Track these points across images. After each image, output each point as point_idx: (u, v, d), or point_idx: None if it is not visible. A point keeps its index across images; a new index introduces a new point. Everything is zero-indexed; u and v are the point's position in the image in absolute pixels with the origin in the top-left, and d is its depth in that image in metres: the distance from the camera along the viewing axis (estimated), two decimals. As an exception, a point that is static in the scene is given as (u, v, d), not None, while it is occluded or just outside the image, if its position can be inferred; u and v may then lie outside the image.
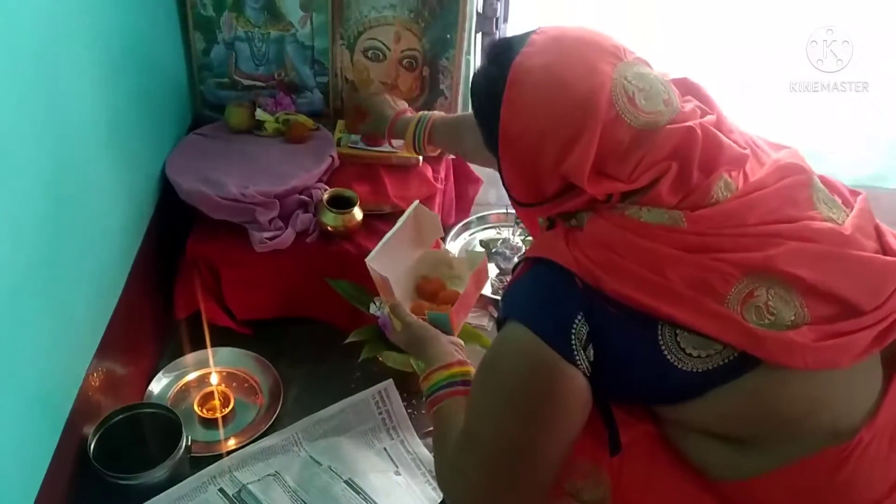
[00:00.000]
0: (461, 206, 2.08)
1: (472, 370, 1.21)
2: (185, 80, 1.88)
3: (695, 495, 0.99)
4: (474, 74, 1.10)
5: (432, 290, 1.54)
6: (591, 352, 0.95)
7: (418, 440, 1.54)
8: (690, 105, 1.01)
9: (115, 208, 1.48)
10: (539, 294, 0.98)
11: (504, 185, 1.06)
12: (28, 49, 1.13)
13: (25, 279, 1.13)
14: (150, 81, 1.64)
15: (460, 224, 2.07)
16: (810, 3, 3.11)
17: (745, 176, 0.98)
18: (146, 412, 1.45)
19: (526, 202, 1.04)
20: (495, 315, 1.86)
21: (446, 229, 2.02)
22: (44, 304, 1.20)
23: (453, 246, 2.02)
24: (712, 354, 0.91)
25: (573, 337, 0.93)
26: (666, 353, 0.92)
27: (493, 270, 1.98)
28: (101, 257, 1.42)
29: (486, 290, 1.90)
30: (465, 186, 2.08)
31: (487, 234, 2.07)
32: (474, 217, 2.10)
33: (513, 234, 2.01)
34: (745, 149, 0.99)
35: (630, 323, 0.93)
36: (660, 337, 0.92)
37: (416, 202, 1.52)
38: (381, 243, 1.42)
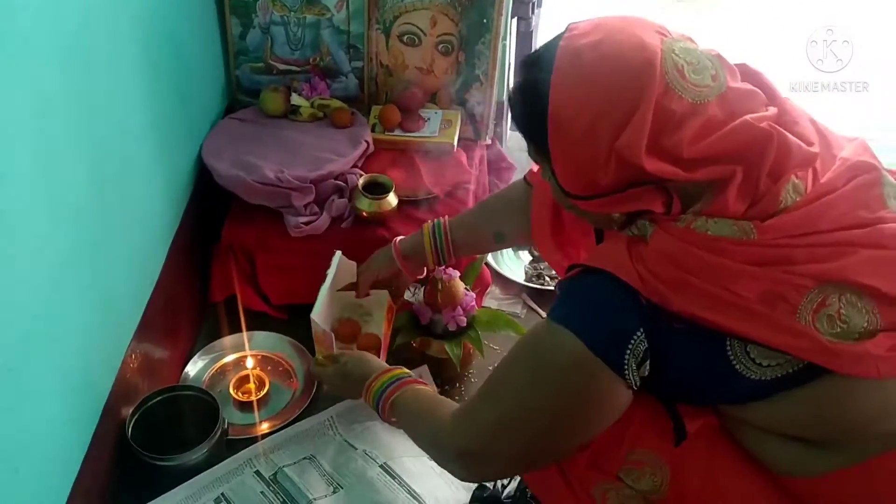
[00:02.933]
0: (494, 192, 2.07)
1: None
2: (221, 64, 1.88)
3: (757, 489, 0.98)
4: (512, 89, 1.04)
5: (350, 333, 1.56)
6: (647, 368, 0.94)
7: (452, 426, 1.54)
8: (740, 85, 0.96)
9: (154, 191, 1.49)
10: (598, 308, 0.95)
11: (556, 181, 0.99)
12: (70, 33, 1.14)
13: (67, 261, 1.14)
14: (187, 66, 1.65)
15: (494, 211, 2.06)
16: (810, 3, 3.07)
17: (815, 173, 0.95)
18: (184, 394, 1.46)
19: (581, 194, 0.98)
20: (528, 302, 1.85)
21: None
22: (85, 286, 1.21)
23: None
24: (782, 363, 0.90)
25: (628, 352, 0.92)
26: (735, 363, 0.91)
27: (526, 257, 1.97)
28: (140, 240, 1.43)
29: (519, 278, 1.90)
30: (498, 173, 2.07)
31: (521, 221, 2.06)
32: (507, 204, 2.09)
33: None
34: (812, 144, 0.95)
35: (696, 338, 0.92)
36: (728, 349, 0.91)
37: (338, 252, 1.51)
38: (320, 298, 1.43)
